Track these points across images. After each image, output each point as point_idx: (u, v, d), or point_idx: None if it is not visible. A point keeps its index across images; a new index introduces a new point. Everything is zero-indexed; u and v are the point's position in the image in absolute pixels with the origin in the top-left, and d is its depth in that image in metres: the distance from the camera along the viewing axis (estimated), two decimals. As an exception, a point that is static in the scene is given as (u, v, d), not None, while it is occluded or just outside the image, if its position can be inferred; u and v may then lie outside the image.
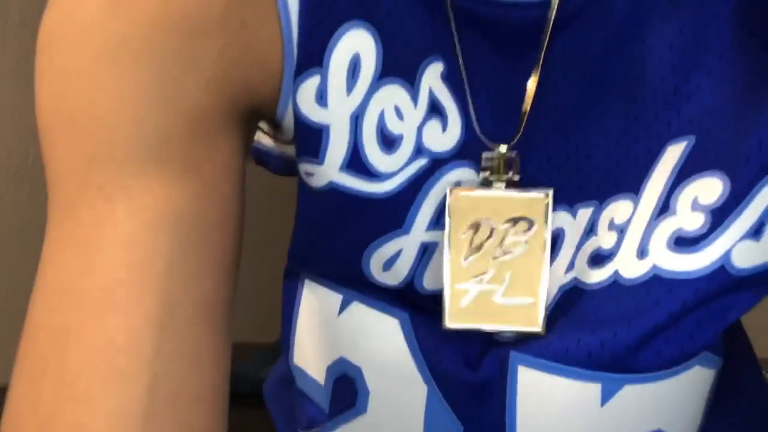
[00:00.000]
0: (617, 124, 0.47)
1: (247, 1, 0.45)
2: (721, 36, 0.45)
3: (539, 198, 0.47)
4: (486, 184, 0.48)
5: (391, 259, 0.50)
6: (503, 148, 0.47)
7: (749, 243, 0.45)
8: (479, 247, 0.48)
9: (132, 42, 0.43)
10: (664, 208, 0.46)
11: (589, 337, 0.47)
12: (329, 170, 0.48)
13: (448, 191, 0.48)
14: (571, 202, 0.48)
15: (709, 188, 0.45)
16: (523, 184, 0.48)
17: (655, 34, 0.45)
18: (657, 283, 0.46)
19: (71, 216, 0.44)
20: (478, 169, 0.48)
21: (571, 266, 0.48)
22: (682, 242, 0.46)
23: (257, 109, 0.48)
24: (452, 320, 0.48)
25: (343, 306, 0.52)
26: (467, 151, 0.48)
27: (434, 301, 0.49)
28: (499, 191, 0.47)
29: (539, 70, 0.46)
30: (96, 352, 0.42)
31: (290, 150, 0.50)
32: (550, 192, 0.47)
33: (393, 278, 0.50)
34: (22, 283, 0.53)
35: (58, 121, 0.45)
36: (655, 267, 0.46)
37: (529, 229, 0.47)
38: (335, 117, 0.47)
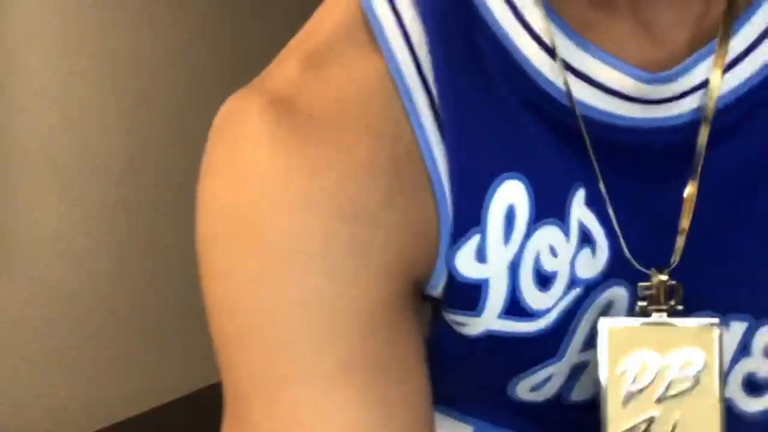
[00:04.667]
0: None
1: (402, 177, 0.44)
2: None
3: (707, 327, 0.43)
4: (645, 314, 0.44)
5: (541, 383, 0.48)
6: (663, 276, 0.44)
7: None
8: (641, 388, 0.43)
9: (301, 241, 0.42)
10: None
11: None
12: (487, 320, 0.46)
13: (599, 322, 0.44)
14: (723, 314, 0.45)
15: None
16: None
17: None
18: None
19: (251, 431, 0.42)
20: (629, 288, 0.45)
21: (724, 383, 0.45)
22: None
23: (415, 285, 0.46)
24: None
25: None
26: (616, 271, 0.46)
27: (580, 410, 0.46)
28: (657, 320, 0.44)
29: (696, 188, 0.44)
30: None
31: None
32: (718, 321, 0.43)
33: (540, 396, 0.48)
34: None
35: (230, 326, 0.43)
36: None
37: (695, 363, 0.43)
38: (494, 270, 0.45)
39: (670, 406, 0.43)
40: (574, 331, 0.46)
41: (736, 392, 0.45)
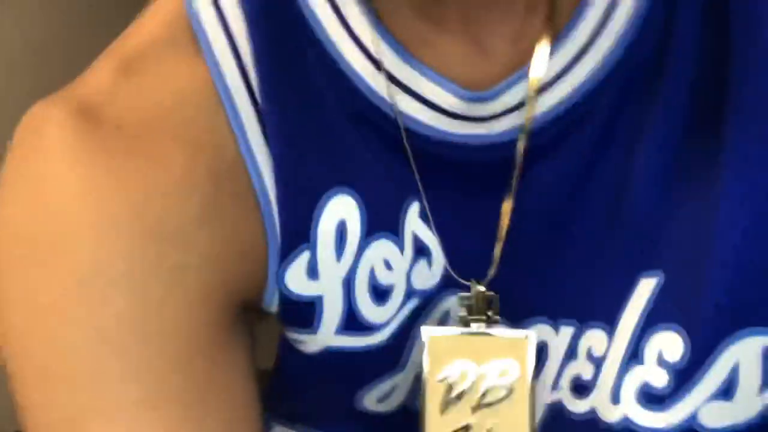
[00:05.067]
0: (592, 248, 0.45)
1: (223, 192, 0.43)
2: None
3: (520, 339, 0.44)
4: (464, 323, 0.45)
5: (387, 393, 0.47)
6: (480, 287, 0.45)
7: (720, 403, 0.43)
8: (459, 396, 0.44)
9: (101, 265, 0.39)
10: (634, 353, 0.44)
11: None
12: (324, 337, 0.46)
13: (422, 330, 0.45)
14: (553, 317, 0.46)
15: (672, 344, 0.43)
16: (503, 314, 0.45)
17: (633, 154, 0.44)
18: None
19: None
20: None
21: (556, 385, 0.46)
22: (650, 398, 0.44)
23: (244, 304, 0.45)
24: None
25: None
26: (450, 282, 0.46)
27: None
28: (475, 330, 0.45)
29: (512, 201, 0.45)
30: None
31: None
32: (533, 333, 0.44)
33: (388, 407, 0.48)
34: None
35: (29, 367, 0.40)
36: (626, 418, 0.44)
37: (510, 372, 0.44)
38: (328, 286, 0.45)
39: (485, 414, 0.44)
40: (413, 341, 0.46)
41: (565, 394, 0.46)
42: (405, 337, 0.46)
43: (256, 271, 0.44)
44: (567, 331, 0.46)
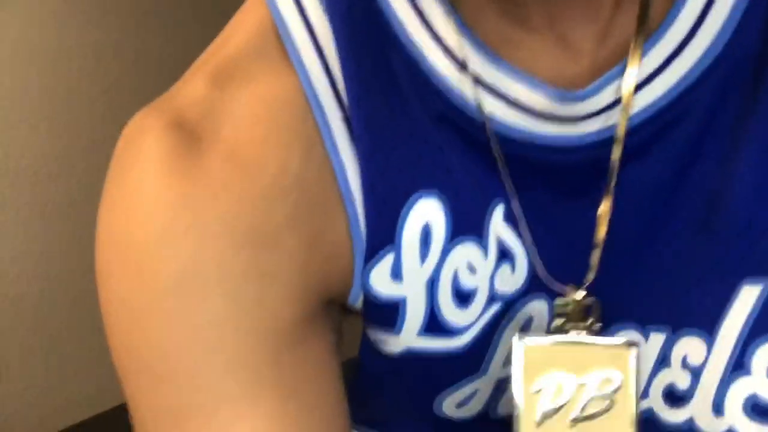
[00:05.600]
0: (688, 254, 0.43)
1: (311, 196, 0.43)
2: None
3: (623, 347, 0.42)
4: (561, 331, 0.43)
5: (467, 399, 0.47)
6: (579, 295, 0.43)
7: None
8: (556, 408, 0.42)
9: (195, 269, 0.41)
10: (738, 363, 0.43)
11: None
12: (406, 338, 0.45)
13: (514, 340, 0.43)
14: (643, 324, 0.44)
15: None
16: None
17: (731, 157, 0.43)
18: None
19: None
20: (549, 302, 0.45)
21: (645, 394, 0.45)
22: (760, 410, 0.42)
23: (332, 302, 0.45)
24: None
25: None
26: (535, 287, 0.45)
27: (507, 426, 0.44)
28: (573, 338, 0.43)
29: (610, 204, 0.43)
30: None
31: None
32: (637, 343, 0.42)
33: (467, 413, 0.48)
34: None
35: (133, 364, 0.42)
36: (731, 430, 0.43)
37: (612, 382, 0.42)
38: (411, 288, 0.45)
39: (586, 427, 0.42)
40: (495, 347, 0.46)
41: (657, 403, 0.45)
42: (486, 341, 0.46)
43: (342, 272, 0.44)
44: (658, 338, 0.44)
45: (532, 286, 0.45)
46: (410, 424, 0.48)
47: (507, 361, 0.46)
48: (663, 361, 0.44)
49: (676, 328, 0.44)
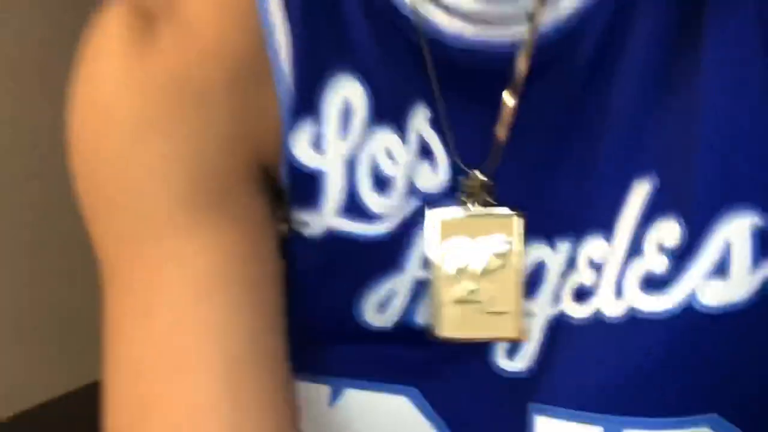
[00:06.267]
0: (587, 160, 0.49)
1: (244, 64, 0.50)
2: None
3: (512, 216, 0.51)
4: (464, 205, 0.51)
5: (386, 299, 0.51)
6: (480, 174, 0.51)
7: (716, 282, 0.46)
8: (462, 267, 0.52)
9: (152, 118, 0.49)
10: (633, 249, 0.47)
11: (585, 377, 0.48)
12: (326, 216, 0.50)
13: (426, 214, 0.51)
14: (549, 235, 0.50)
15: (670, 231, 0.46)
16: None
17: (622, 68, 0.48)
18: (633, 323, 0.47)
19: (126, 288, 0.49)
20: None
21: (556, 299, 0.50)
22: (652, 284, 0.47)
23: (266, 168, 0.52)
24: (443, 331, 0.52)
25: (335, 397, 0.53)
26: (455, 190, 0.50)
27: (425, 346, 0.51)
28: (475, 211, 0.51)
29: (515, 104, 0.49)
30: (180, 418, 0.46)
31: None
32: (523, 214, 0.51)
33: (387, 320, 0.52)
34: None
35: (97, 201, 0.50)
36: (630, 308, 0.47)
37: (505, 245, 0.51)
38: (331, 162, 0.50)
39: (486, 281, 0.52)
40: (413, 243, 0.51)
41: (568, 305, 0.50)
42: (405, 235, 0.50)
43: (273, 136, 0.50)
44: (564, 247, 0.50)
45: (452, 189, 0.50)
46: (332, 354, 0.52)
47: (424, 264, 0.51)
48: (570, 265, 0.49)
49: (580, 233, 0.49)
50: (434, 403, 0.52)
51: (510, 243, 0.51)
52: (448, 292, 0.52)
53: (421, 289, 0.52)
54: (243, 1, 0.50)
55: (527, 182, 0.50)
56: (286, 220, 0.53)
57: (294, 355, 0.52)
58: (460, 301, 0.52)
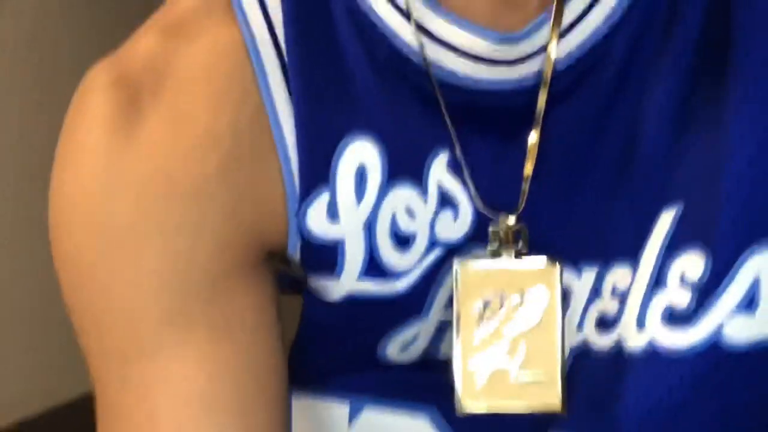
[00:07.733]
0: (613, 188, 0.47)
1: (243, 143, 0.46)
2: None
3: (549, 267, 0.47)
4: (495, 255, 0.47)
5: (410, 341, 0.49)
6: (510, 220, 0.47)
7: (743, 317, 0.44)
8: (490, 324, 0.47)
9: (135, 223, 0.45)
10: (657, 280, 0.46)
11: (604, 408, 0.46)
12: (347, 282, 0.48)
13: (455, 264, 0.47)
14: (576, 262, 0.48)
15: (694, 264, 0.45)
16: (531, 251, 0.47)
17: (645, 98, 0.47)
18: (655, 357, 0.45)
19: (115, 412, 0.47)
20: None
21: (580, 326, 0.48)
22: (675, 318, 0.45)
23: (270, 251, 0.49)
24: (467, 403, 0.47)
25: (353, 415, 0.50)
26: (479, 234, 0.48)
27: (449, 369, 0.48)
28: (507, 262, 0.47)
29: (537, 138, 0.47)
30: None
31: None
32: (558, 264, 0.47)
33: (411, 355, 0.49)
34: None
35: (83, 318, 0.48)
36: (651, 341, 0.46)
37: (540, 299, 0.47)
38: (348, 229, 0.47)
39: (518, 340, 0.46)
40: (437, 290, 0.48)
41: (590, 333, 0.48)
42: (428, 285, 0.48)
43: (276, 219, 0.47)
44: (590, 274, 0.47)
45: (476, 234, 0.47)
46: (354, 373, 0.50)
47: (448, 304, 0.48)
48: (595, 294, 0.47)
49: (606, 261, 0.47)
50: (453, 422, 0.49)
51: (547, 297, 0.47)
52: (472, 352, 0.47)
53: (446, 326, 0.49)
54: (237, 80, 0.47)
55: (553, 212, 0.48)
56: (299, 283, 0.50)
57: (313, 377, 0.51)
58: (491, 368, 0.47)
